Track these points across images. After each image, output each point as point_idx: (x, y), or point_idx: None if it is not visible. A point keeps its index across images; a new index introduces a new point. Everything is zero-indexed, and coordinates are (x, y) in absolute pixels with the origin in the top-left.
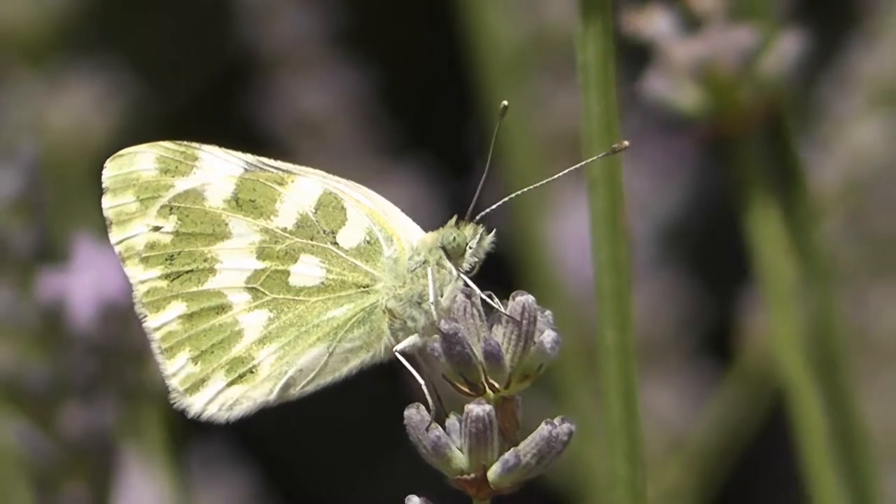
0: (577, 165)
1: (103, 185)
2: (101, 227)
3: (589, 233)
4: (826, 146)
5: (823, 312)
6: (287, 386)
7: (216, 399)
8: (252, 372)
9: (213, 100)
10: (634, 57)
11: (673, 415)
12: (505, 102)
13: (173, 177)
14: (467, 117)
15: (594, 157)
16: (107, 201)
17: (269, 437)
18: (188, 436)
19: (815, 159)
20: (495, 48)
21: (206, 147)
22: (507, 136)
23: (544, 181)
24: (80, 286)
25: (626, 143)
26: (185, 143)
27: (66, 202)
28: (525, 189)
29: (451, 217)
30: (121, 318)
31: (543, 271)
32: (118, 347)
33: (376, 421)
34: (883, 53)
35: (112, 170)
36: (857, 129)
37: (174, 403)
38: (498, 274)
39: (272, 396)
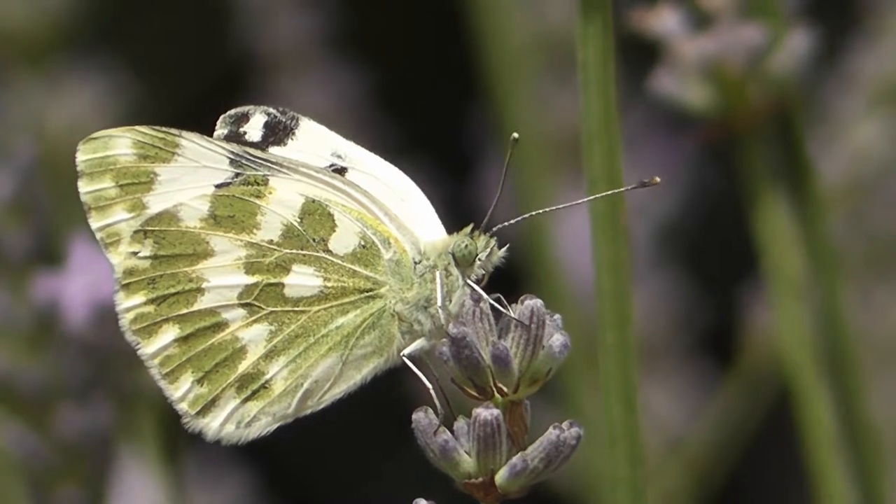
0: (607, 193)
1: (78, 169)
2: None
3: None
4: (828, 146)
5: (831, 308)
6: (304, 398)
7: (232, 417)
8: (266, 388)
9: (213, 100)
10: (635, 55)
11: (671, 415)
12: (515, 135)
13: (153, 163)
14: (465, 119)
15: (623, 188)
16: (83, 186)
17: (267, 438)
18: (184, 437)
19: (817, 159)
20: (497, 48)
21: (186, 134)
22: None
23: (565, 205)
24: (75, 288)
25: (657, 179)
26: (165, 129)
27: (64, 203)
28: (545, 209)
29: (448, 219)
30: (116, 319)
31: (550, 274)
32: (113, 349)
33: (376, 422)
34: (885, 53)
35: (86, 153)
36: (858, 128)
37: (188, 427)
38: (504, 276)
39: (290, 410)
